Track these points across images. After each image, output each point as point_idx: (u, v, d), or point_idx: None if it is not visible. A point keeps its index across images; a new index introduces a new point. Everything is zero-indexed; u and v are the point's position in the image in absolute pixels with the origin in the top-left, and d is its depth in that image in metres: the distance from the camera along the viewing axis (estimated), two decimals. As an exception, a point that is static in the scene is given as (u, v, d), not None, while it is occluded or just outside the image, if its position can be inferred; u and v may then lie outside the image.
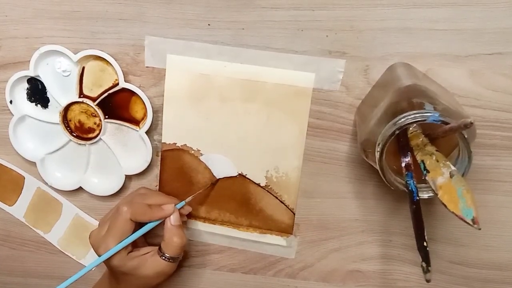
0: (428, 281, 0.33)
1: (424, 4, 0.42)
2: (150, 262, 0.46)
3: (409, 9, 0.42)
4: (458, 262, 0.50)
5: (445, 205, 0.34)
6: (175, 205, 0.47)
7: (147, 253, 0.47)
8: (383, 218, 0.49)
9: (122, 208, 0.45)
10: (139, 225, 0.46)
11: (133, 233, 0.45)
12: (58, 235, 0.56)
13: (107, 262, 0.45)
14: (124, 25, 0.47)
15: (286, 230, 0.51)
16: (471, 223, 0.33)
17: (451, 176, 0.35)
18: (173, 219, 0.46)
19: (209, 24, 0.45)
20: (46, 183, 0.53)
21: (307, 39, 0.44)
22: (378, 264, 0.51)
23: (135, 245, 0.47)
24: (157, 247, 0.47)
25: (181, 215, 0.48)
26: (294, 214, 0.50)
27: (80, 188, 0.52)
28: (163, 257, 0.46)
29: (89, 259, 0.56)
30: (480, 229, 0.32)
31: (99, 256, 0.45)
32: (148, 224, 0.46)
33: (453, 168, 0.36)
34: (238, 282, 0.54)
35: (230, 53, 0.46)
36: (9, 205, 0.56)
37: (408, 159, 0.37)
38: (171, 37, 0.46)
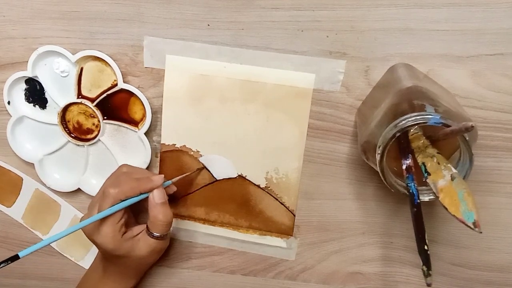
0: (429, 285, 0.33)
1: (425, 5, 0.41)
2: (142, 242, 0.46)
3: (410, 9, 0.42)
4: (459, 264, 0.50)
5: (446, 208, 0.34)
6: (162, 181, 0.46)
7: (139, 233, 0.47)
8: (384, 220, 0.49)
9: (109, 190, 0.43)
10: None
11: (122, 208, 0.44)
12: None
13: (102, 247, 0.45)
14: (122, 26, 0.46)
15: (286, 231, 0.51)
16: (472, 226, 0.32)
17: (452, 178, 0.35)
18: (157, 197, 0.45)
19: (208, 25, 0.45)
20: (44, 184, 0.53)
21: (307, 39, 0.44)
22: (379, 266, 0.51)
23: (127, 226, 0.47)
24: (146, 226, 0.47)
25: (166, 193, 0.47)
26: (294, 215, 0.50)
27: (79, 190, 0.52)
28: (152, 236, 0.46)
29: (88, 261, 0.55)
30: (481, 232, 0.32)
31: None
32: (134, 197, 0.44)
33: (454, 170, 0.35)
34: (238, 284, 0.54)
35: (229, 54, 0.46)
36: (7, 207, 0.55)
37: (409, 161, 0.37)
38: (170, 38, 0.46)
